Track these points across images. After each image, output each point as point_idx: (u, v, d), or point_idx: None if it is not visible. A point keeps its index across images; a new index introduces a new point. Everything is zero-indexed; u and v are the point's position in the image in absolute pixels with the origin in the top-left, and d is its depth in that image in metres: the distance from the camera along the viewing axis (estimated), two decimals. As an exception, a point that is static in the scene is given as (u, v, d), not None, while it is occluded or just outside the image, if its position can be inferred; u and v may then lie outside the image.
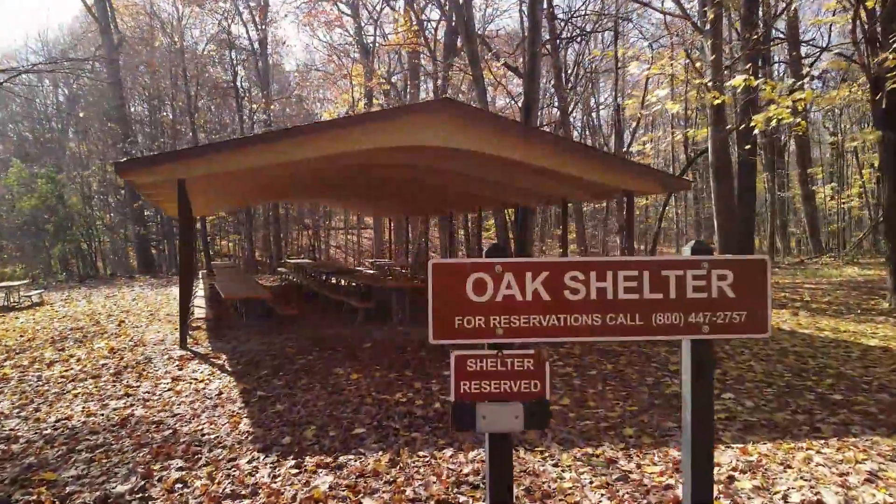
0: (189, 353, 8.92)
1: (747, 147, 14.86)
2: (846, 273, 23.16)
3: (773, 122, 10.33)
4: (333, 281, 15.41)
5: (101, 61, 31.88)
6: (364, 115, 9.51)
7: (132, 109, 35.84)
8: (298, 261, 24.12)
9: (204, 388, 7.21)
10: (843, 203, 34.08)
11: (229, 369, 8.05)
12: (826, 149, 39.83)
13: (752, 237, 16.26)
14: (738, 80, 10.05)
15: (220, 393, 7.03)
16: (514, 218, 25.63)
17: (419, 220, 31.19)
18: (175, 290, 16.85)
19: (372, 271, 25.62)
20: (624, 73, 35.54)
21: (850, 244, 28.71)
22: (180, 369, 8.09)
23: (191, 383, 7.44)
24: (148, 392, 7.13)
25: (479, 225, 19.25)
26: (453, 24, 26.58)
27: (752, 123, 10.70)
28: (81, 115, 33.50)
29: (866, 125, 36.02)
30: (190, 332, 10.34)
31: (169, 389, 7.21)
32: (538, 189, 13.22)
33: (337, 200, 24.09)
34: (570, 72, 33.77)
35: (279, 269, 24.93)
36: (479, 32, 28.20)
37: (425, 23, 32.11)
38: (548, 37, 27.41)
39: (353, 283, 12.25)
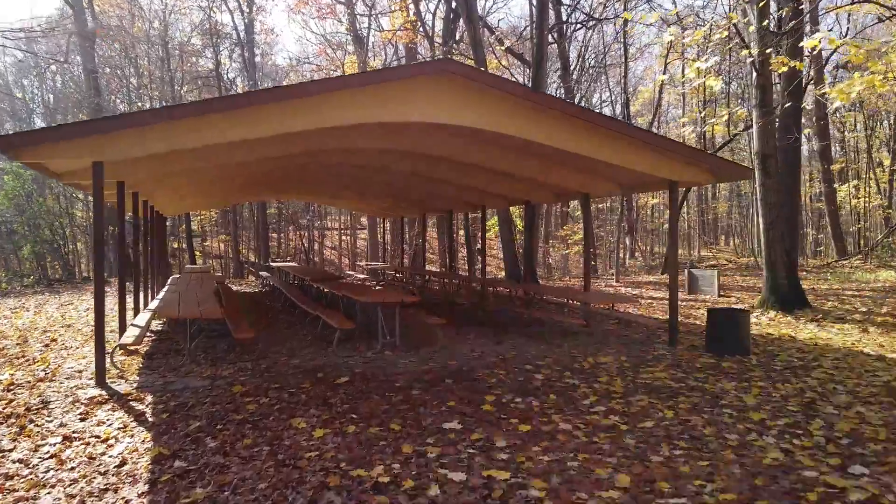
0: (105, 392, 6.73)
1: (793, 137, 12.79)
2: (882, 277, 21.07)
3: (854, 94, 8.20)
4: (318, 289, 13.23)
5: (75, 50, 29.71)
6: (337, 79, 7.30)
7: (110, 102, 33.63)
8: (282, 264, 21.93)
9: (102, 455, 5.04)
10: (865, 202, 32.09)
11: (150, 419, 5.87)
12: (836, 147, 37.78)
13: (797, 241, 14.15)
14: (814, 39, 7.93)
15: (123, 464, 4.86)
16: (523, 216, 23.48)
17: (416, 220, 29.03)
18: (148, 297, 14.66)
19: (363, 276, 23.50)
20: (627, 66, 33.39)
21: (882, 247, 26.55)
22: (82, 420, 5.90)
23: (87, 445, 5.26)
24: (19, 461, 4.95)
25: (484, 224, 17.07)
26: (453, 5, 24.42)
27: (832, 94, 8.57)
28: (51, 106, 31.27)
29: (879, 123, 34.13)
30: (119, 360, 8.17)
31: (51, 456, 5.03)
32: (557, 181, 11.06)
33: (324, 197, 21.92)
34: (575, 64, 31.63)
35: (262, 272, 22.76)
36: (481, 15, 26.09)
37: (424, 14, 29.98)
38: (555, 21, 25.34)
39: (337, 295, 10.09)
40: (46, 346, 9.79)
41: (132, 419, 5.88)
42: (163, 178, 11.63)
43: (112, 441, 5.34)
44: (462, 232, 30.05)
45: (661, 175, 9.09)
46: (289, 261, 30.80)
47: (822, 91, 8.60)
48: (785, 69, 9.13)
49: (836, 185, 30.11)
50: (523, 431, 5.44)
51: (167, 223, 39.49)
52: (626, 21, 30.25)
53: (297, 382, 7.00)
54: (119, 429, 5.63)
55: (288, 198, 30.46)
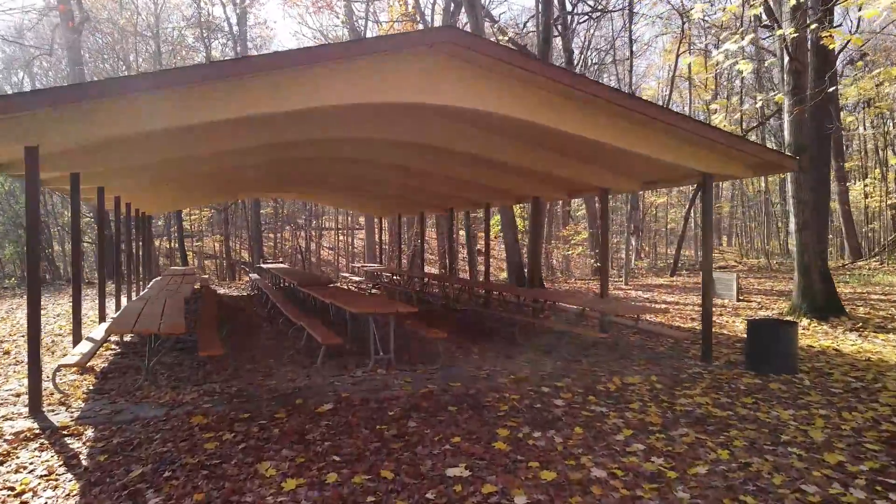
0: (37, 425, 5.57)
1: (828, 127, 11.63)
2: (906, 280, 20.01)
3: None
4: (306, 294, 12.06)
5: (62, 43, 28.51)
6: (314, 49, 6.09)
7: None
8: (272, 266, 20.78)
9: (8, 518, 3.91)
10: (881, 201, 30.99)
11: (84, 463, 4.73)
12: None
13: (827, 242, 13.02)
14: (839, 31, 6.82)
15: (31, 532, 3.72)
16: (524, 215, 22.34)
17: (415, 219, 27.88)
18: (126, 302, 13.47)
19: (358, 278, 22.31)
20: (633, 60, 32.28)
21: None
22: (-1, 464, 4.77)
23: (-7, 502, 4.13)
24: None
25: (488, 223, 15.89)
26: (453, -6, 23.27)
27: (850, 88, 7.44)
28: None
29: (884, 123, 32.98)
30: (68, 380, 7.02)
31: (-59, 520, 3.90)
32: (572, 175, 9.93)
33: (313, 194, 20.75)
34: (579, 60, 30.50)
35: (252, 275, 21.62)
36: (483, 3, 24.94)
37: (424, 6, 28.81)
38: (559, 12, 24.24)
39: (326, 303, 8.93)
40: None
41: (61, 463, 4.73)
42: (130, 173, 10.50)
43: (28, 496, 4.20)
44: (462, 232, 28.94)
45: (694, 167, 7.95)
46: (281, 262, 29.60)
47: (837, 86, 7.58)
48: (836, 45, 7.99)
49: (848, 184, 29.04)
50: (547, 481, 4.32)
51: (159, 223, 38.55)
52: (631, 13, 29.20)
53: (272, 411, 5.85)
54: (42, 477, 4.49)
55: (276, 196, 29.28)
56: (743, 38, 8.54)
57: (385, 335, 7.96)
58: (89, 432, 5.34)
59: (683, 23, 24.41)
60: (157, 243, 36.92)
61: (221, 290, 20.44)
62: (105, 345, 8.83)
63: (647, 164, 8.86)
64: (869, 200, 31.27)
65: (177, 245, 33.78)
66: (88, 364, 7.70)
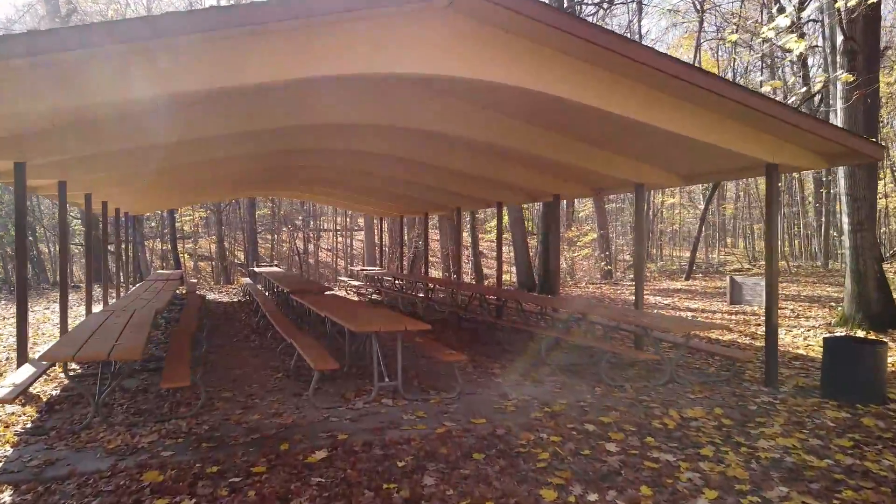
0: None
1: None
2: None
3: None
4: (299, 303, 10.74)
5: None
6: (308, 2, 4.79)
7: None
8: (266, 269, 19.50)
9: None
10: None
11: (-15, 548, 3.46)
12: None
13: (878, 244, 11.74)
14: None
15: None
16: (542, 213, 21.09)
17: (415, 220, 26.62)
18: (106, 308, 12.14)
19: (358, 283, 21.04)
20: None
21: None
22: None
23: None
24: None
25: (500, 224, 14.58)
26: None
27: None
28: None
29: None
30: (6, 412, 5.74)
31: None
32: (602, 169, 8.67)
33: (311, 192, 19.46)
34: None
35: (245, 279, 20.38)
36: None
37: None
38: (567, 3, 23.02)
39: (322, 315, 7.61)
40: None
41: (-46, 548, 3.47)
42: (115, 165, 9.24)
43: None
44: (466, 233, 27.69)
45: (759, 156, 6.69)
46: (276, 265, 28.30)
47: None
48: None
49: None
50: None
51: (153, 223, 37.25)
52: (640, 5, 27.97)
53: (248, 462, 4.57)
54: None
55: (270, 194, 28.00)
56: (803, 7, 7.28)
57: (391, 357, 6.69)
58: (5, 497, 4.07)
59: (702, 13, 23.12)
60: (150, 245, 35.69)
61: (212, 296, 19.17)
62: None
63: (693, 152, 7.61)
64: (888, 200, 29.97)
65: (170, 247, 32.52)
66: (34, 391, 6.45)
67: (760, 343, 9.90)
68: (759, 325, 12.21)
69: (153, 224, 36.23)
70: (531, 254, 23.72)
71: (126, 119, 6.84)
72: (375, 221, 28.48)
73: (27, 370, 5.74)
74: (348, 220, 42.00)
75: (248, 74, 4.83)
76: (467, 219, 25.79)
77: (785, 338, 10.54)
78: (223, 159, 10.37)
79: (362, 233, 37.34)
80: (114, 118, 6.84)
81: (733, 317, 13.64)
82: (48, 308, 16.86)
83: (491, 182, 12.19)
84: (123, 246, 19.28)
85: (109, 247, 19.52)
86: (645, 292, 19.75)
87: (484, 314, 11.53)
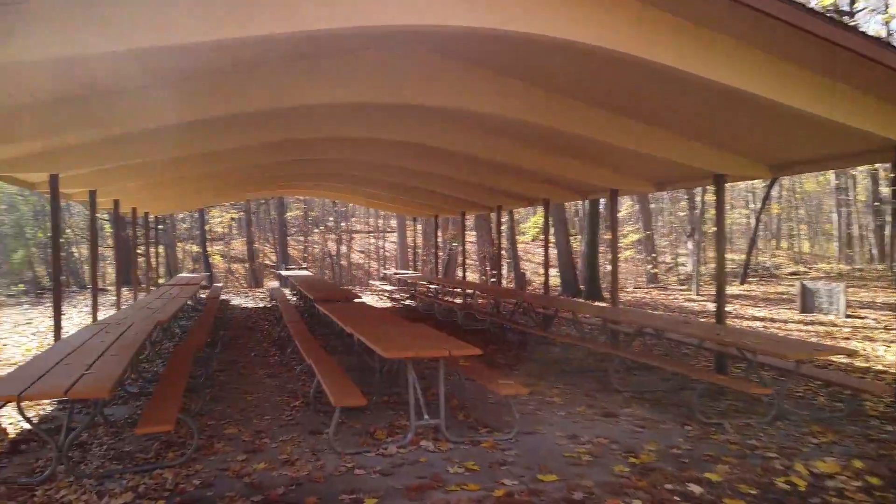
0: None
1: None
2: None
3: None
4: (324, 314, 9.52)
5: None
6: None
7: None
8: (294, 273, 18.47)
9: None
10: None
11: None
12: None
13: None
14: None
15: None
16: (588, 212, 19.71)
17: (449, 221, 25.39)
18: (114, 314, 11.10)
19: (391, 287, 19.87)
20: None
21: None
22: None
23: None
24: None
25: (547, 224, 13.22)
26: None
27: None
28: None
29: None
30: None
31: None
32: (678, 158, 7.31)
33: (341, 191, 18.35)
34: None
35: (273, 283, 19.39)
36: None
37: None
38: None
39: (347, 331, 6.37)
40: None
41: None
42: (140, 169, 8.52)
43: None
44: (501, 234, 26.33)
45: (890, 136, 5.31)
46: (305, 268, 27.28)
47: None
48: None
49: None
50: None
51: (184, 225, 36.66)
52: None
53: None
54: None
55: (297, 193, 27.03)
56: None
57: (429, 377, 5.46)
58: None
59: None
60: (182, 246, 35.08)
61: (238, 301, 18.19)
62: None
63: (787, 136, 6.25)
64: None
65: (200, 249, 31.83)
66: (3, 423, 5.36)
67: (862, 363, 8.44)
68: (847, 338, 10.70)
69: (185, 226, 35.64)
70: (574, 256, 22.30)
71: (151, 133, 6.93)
72: (409, 222, 27.36)
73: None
74: (380, 221, 40.98)
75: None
76: (505, 219, 24.49)
77: (885, 355, 9.05)
78: (244, 153, 9.37)
79: (395, 234, 36.26)
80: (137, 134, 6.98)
81: (810, 328, 12.12)
82: (75, 308, 16.11)
83: (538, 176, 10.90)
84: (153, 248, 18.49)
85: (138, 249, 18.74)
86: (703, 298, 18.23)
87: (531, 325, 10.24)
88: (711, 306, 16.19)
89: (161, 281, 20.98)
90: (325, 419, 5.51)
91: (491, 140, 8.73)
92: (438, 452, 4.75)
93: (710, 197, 33.21)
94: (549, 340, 9.38)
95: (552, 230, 20.25)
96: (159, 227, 22.47)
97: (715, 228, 8.20)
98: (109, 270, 30.69)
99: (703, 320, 12.63)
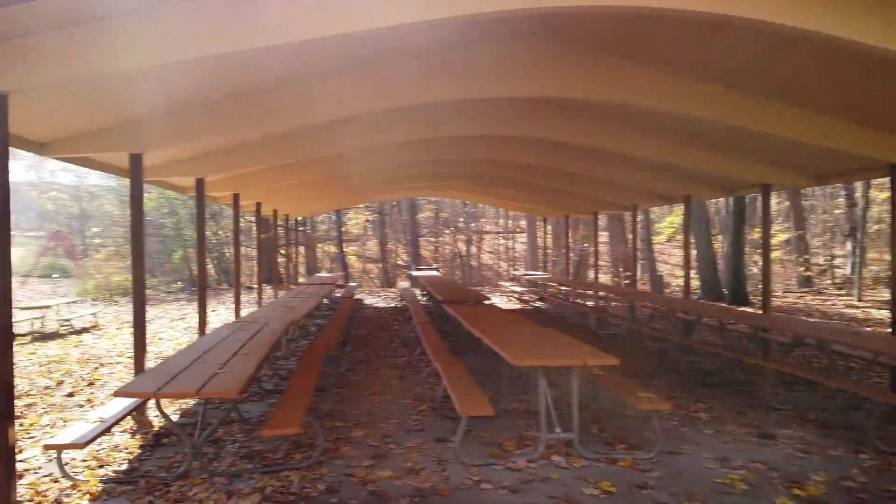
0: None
1: None
2: None
3: None
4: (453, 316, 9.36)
5: None
6: None
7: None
8: (424, 273, 18.64)
9: None
10: None
11: None
12: None
13: None
14: None
15: None
16: (734, 209, 18.39)
17: (579, 221, 24.67)
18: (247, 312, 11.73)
19: (521, 289, 19.52)
20: None
21: None
22: None
23: None
24: None
25: (687, 223, 12.34)
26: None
27: None
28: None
29: None
30: (105, 450, 4.89)
31: None
32: (846, 145, 6.46)
33: (472, 191, 18.28)
34: None
35: (404, 283, 19.68)
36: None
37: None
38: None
39: (480, 339, 6.11)
40: (71, 395, 6.91)
41: None
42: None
43: None
44: (631, 235, 25.16)
45: None
46: (436, 268, 27.55)
47: None
48: None
49: None
50: None
51: (323, 226, 38.41)
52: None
53: (363, 559, 3.23)
54: None
55: (431, 194, 27.34)
56: None
57: (561, 385, 5.11)
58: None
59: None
60: (321, 247, 36.72)
61: (371, 300, 18.64)
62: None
63: None
64: None
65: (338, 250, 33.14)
66: (149, 417, 5.62)
67: None
68: None
69: (325, 227, 37.23)
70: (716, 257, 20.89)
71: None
72: (538, 222, 26.89)
73: (117, 405, 4.83)
74: (510, 221, 40.72)
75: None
76: (640, 218, 23.43)
77: None
78: (384, 155, 9.55)
79: (524, 234, 35.88)
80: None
81: None
82: (223, 304, 17.18)
83: (679, 171, 10.18)
84: (293, 249, 19.40)
85: (280, 250, 19.72)
86: (866, 305, 16.42)
87: (670, 331, 9.56)
88: (878, 314, 14.50)
89: (301, 280, 21.99)
90: (451, 426, 5.32)
91: (638, 134, 8.18)
92: (571, 469, 4.40)
93: (876, 192, 30.09)
94: (692, 349, 8.68)
95: (693, 230, 19.08)
96: (300, 228, 23.58)
97: (883, 226, 7.18)
98: (256, 269, 32.70)
99: (869, 329, 11.30)
